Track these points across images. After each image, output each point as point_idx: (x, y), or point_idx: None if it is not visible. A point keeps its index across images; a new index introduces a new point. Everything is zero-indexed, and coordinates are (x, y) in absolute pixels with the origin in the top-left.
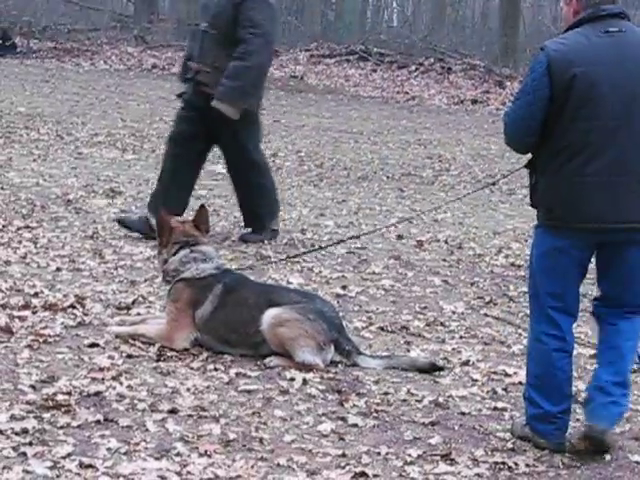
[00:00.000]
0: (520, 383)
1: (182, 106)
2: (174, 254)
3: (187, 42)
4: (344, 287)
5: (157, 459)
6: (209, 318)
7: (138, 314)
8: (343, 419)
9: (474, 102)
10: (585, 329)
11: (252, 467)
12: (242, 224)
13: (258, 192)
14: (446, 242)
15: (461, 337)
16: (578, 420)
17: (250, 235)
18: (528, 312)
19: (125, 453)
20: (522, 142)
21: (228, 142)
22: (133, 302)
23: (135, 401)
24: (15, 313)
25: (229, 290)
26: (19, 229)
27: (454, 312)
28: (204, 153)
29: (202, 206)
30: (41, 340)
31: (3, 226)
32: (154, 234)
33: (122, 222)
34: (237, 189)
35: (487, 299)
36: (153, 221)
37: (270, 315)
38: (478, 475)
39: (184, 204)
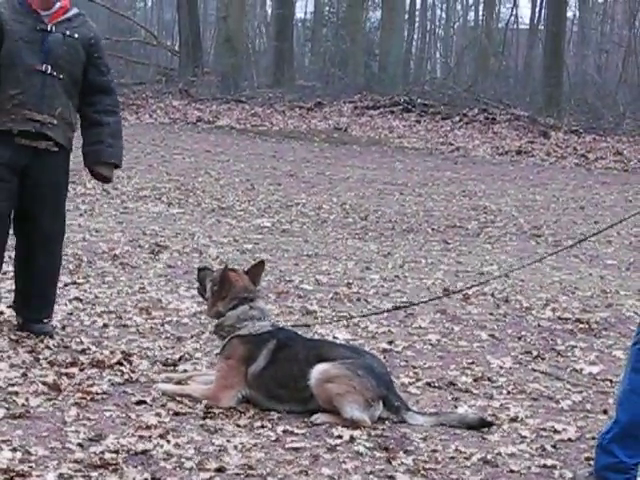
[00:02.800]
0: (569, 440)
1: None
2: (231, 308)
3: (10, 84)
4: (390, 342)
5: None
6: (260, 374)
7: (185, 371)
8: (391, 477)
9: (518, 153)
10: None
11: None
12: (288, 278)
13: (58, 268)
14: (492, 295)
15: (509, 392)
16: None
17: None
18: (577, 367)
19: None
20: None
21: (52, 210)
22: (179, 359)
23: (182, 459)
24: (62, 370)
25: (281, 346)
26: (66, 285)
27: (501, 367)
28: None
29: (262, 261)
30: (88, 398)
31: None
32: None
33: None
34: (41, 264)
35: (535, 353)
36: None
37: (318, 370)
38: None
39: None
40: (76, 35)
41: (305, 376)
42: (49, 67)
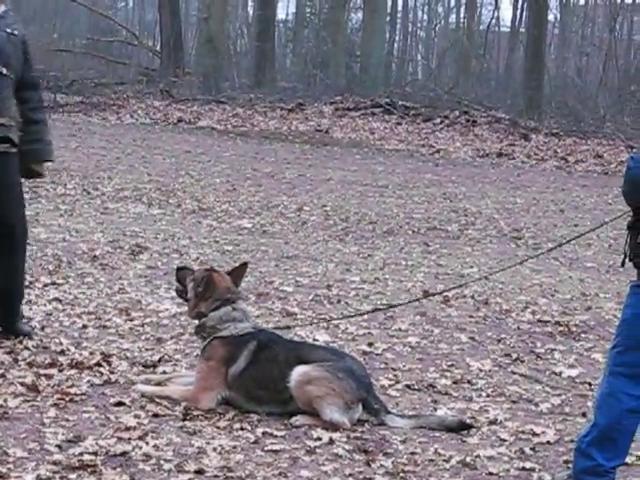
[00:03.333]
0: (548, 442)
1: None
2: (214, 310)
3: None
4: (370, 344)
5: None
6: (240, 375)
7: (164, 372)
8: None
9: (499, 155)
10: None
11: None
12: (268, 279)
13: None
14: (472, 298)
15: (488, 395)
16: None
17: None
18: (557, 370)
19: None
20: None
21: (15, 211)
22: (159, 360)
23: (161, 461)
24: (41, 371)
25: (262, 347)
26: (45, 285)
27: (481, 370)
28: None
29: (245, 263)
30: (67, 399)
31: (30, 282)
32: None
33: None
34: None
35: (514, 356)
36: None
37: (298, 372)
38: None
39: None
40: (16, 32)
41: (285, 378)
42: (3, 68)
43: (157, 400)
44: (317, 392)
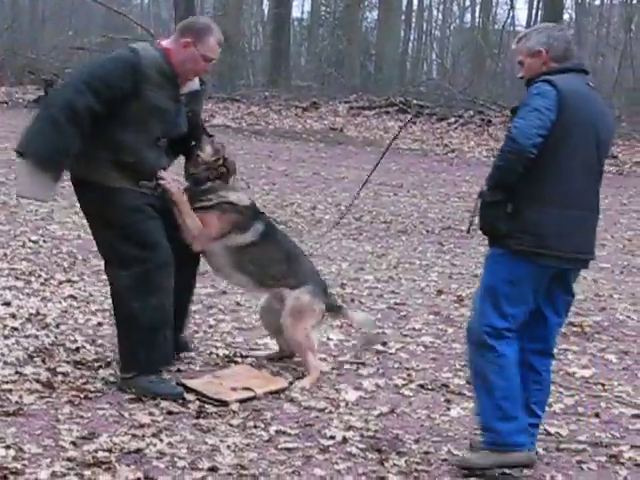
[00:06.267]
0: (561, 443)
1: None
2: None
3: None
4: (384, 343)
5: None
6: (243, 247)
7: (178, 370)
8: (383, 479)
9: None
10: (627, 388)
11: None
12: None
13: None
14: None
15: None
16: None
17: None
18: (570, 370)
19: None
20: (531, 153)
21: None
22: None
23: (175, 459)
24: (57, 368)
25: (268, 233)
26: (61, 283)
27: None
28: None
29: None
30: (82, 396)
31: (45, 280)
32: None
33: None
34: None
35: None
36: None
37: (290, 307)
38: None
39: None
40: None
41: (280, 268)
42: None
43: (171, 397)
44: (300, 331)
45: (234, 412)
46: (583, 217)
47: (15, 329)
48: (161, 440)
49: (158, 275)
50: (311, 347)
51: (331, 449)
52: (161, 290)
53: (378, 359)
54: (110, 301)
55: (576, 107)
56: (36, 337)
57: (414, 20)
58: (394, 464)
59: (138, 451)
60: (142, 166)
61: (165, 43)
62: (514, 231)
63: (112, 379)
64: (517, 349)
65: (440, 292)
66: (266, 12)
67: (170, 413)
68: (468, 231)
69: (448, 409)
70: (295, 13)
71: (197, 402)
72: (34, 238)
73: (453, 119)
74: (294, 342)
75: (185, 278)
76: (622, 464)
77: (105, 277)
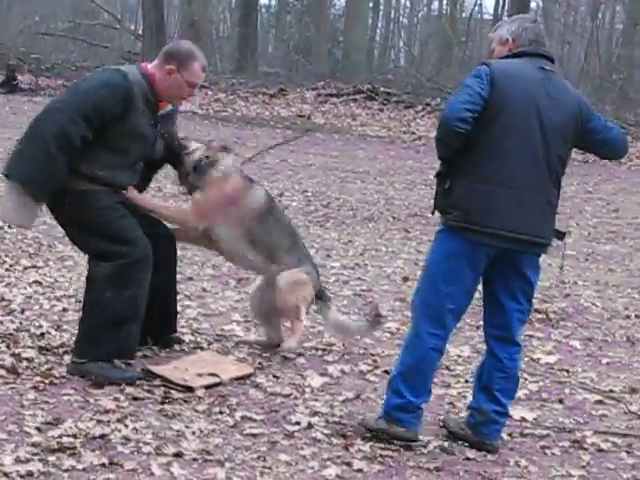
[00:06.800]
0: (525, 428)
1: None
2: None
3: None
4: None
5: None
6: (247, 220)
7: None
8: (348, 464)
9: None
10: (591, 374)
11: None
12: None
13: None
14: None
15: (466, 381)
16: None
17: None
18: (534, 356)
19: None
20: (457, 127)
21: None
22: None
23: (140, 444)
24: (21, 354)
25: (270, 209)
26: (26, 268)
27: (459, 356)
28: None
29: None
30: (47, 381)
31: (10, 265)
32: None
33: None
34: None
35: None
36: None
37: (289, 274)
38: None
39: None
40: None
41: (277, 250)
42: None
43: (137, 383)
44: (295, 303)
45: (199, 398)
46: (519, 197)
47: None
48: (126, 426)
49: (137, 269)
50: (300, 316)
51: (296, 435)
52: (137, 284)
53: (344, 345)
54: (75, 287)
55: (509, 86)
56: (1, 322)
57: (382, 7)
58: (359, 449)
59: (103, 437)
60: (113, 184)
61: (150, 67)
62: (447, 206)
63: None
64: (444, 335)
65: (406, 279)
66: None
67: (135, 399)
68: (433, 212)
69: None
70: (262, 0)
71: (162, 388)
72: None
73: (420, 107)
74: (285, 305)
75: (168, 278)
76: (585, 449)
77: (70, 263)
